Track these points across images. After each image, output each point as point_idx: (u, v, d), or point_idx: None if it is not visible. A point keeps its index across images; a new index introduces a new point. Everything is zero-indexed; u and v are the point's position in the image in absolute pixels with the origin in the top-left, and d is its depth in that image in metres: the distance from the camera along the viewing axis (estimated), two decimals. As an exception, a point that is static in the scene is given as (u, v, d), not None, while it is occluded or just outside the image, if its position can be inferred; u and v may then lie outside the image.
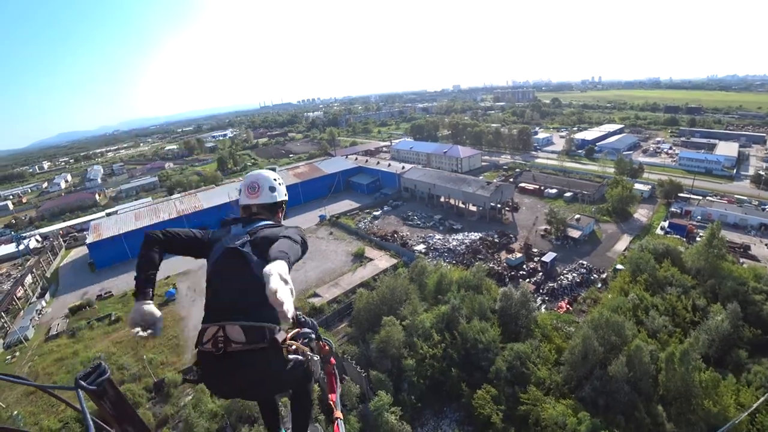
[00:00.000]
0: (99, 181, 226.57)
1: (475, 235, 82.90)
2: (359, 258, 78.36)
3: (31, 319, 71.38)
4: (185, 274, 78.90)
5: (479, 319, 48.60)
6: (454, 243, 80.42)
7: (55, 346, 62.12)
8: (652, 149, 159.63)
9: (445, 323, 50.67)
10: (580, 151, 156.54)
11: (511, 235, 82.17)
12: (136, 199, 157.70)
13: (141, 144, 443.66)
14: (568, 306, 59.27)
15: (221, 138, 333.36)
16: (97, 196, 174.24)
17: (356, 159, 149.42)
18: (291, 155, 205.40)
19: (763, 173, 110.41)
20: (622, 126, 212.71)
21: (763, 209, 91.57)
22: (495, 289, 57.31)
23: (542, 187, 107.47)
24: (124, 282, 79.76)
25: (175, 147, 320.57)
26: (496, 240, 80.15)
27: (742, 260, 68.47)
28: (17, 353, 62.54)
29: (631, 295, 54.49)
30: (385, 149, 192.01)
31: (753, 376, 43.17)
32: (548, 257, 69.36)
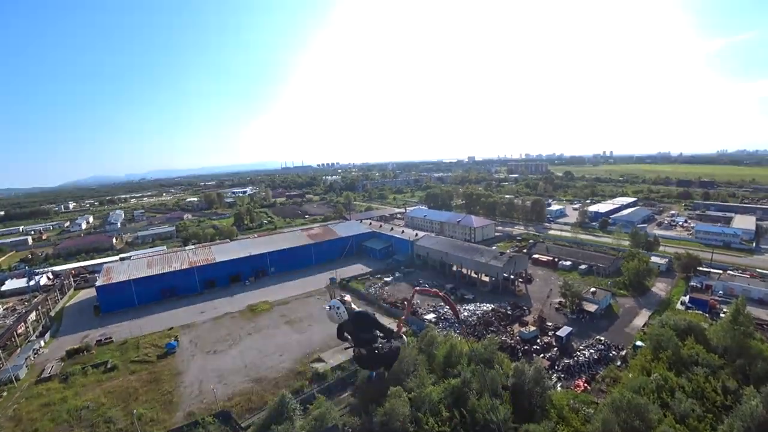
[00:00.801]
0: (119, 225, 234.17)
1: (488, 306, 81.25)
2: (368, 325, 77.10)
3: (26, 358, 70.12)
4: (189, 327, 78.47)
5: (490, 396, 46.25)
6: (466, 313, 78.67)
7: (45, 390, 60.71)
8: (666, 222, 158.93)
9: (453, 398, 48.28)
10: (593, 223, 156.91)
11: (525, 308, 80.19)
12: (151, 247, 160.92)
13: (164, 194, 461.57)
14: (585, 385, 55.94)
15: (241, 194, 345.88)
16: (114, 240, 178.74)
17: (370, 224, 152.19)
18: (307, 216, 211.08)
19: None
20: (635, 199, 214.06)
21: None
22: (507, 364, 54.91)
23: (556, 259, 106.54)
24: (126, 329, 79.36)
25: (195, 199, 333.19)
26: (509, 312, 78.16)
27: None
28: (5, 393, 61.03)
29: (654, 374, 51.44)
30: (399, 216, 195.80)
31: None
32: (563, 332, 66.91)
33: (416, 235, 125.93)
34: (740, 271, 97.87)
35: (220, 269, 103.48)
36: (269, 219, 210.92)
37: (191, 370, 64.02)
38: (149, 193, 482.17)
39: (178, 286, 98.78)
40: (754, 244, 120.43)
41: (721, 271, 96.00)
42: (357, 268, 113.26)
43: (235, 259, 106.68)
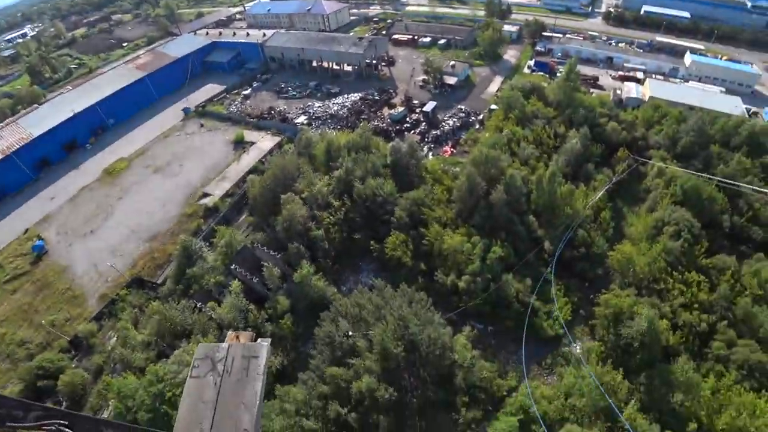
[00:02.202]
0: None
1: (355, 96, 79.39)
2: (240, 145, 71.23)
3: None
4: (46, 220, 63.93)
5: (374, 177, 48.67)
6: (335, 108, 76.39)
7: None
8: None
9: (341, 188, 50.08)
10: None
11: (391, 91, 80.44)
12: None
13: None
14: (452, 149, 62.52)
15: (21, 41, 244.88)
16: None
17: (207, 34, 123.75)
18: (125, 44, 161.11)
19: (612, 10, 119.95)
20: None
21: (610, 44, 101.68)
22: (383, 146, 57.12)
23: (416, 37, 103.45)
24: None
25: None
26: (377, 97, 77.97)
27: (591, 90, 77.25)
28: None
29: (505, 131, 58.71)
30: (239, 16, 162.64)
31: (598, 183, 52.65)
32: (429, 107, 70.11)
33: (264, 35, 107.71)
34: (576, 35, 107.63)
35: (45, 143, 77.11)
36: (77, 62, 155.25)
37: (77, 260, 55.68)
38: None
39: (4, 184, 73.13)
40: (590, 9, 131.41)
41: (561, 35, 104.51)
42: (209, 89, 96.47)
43: (59, 125, 79.74)
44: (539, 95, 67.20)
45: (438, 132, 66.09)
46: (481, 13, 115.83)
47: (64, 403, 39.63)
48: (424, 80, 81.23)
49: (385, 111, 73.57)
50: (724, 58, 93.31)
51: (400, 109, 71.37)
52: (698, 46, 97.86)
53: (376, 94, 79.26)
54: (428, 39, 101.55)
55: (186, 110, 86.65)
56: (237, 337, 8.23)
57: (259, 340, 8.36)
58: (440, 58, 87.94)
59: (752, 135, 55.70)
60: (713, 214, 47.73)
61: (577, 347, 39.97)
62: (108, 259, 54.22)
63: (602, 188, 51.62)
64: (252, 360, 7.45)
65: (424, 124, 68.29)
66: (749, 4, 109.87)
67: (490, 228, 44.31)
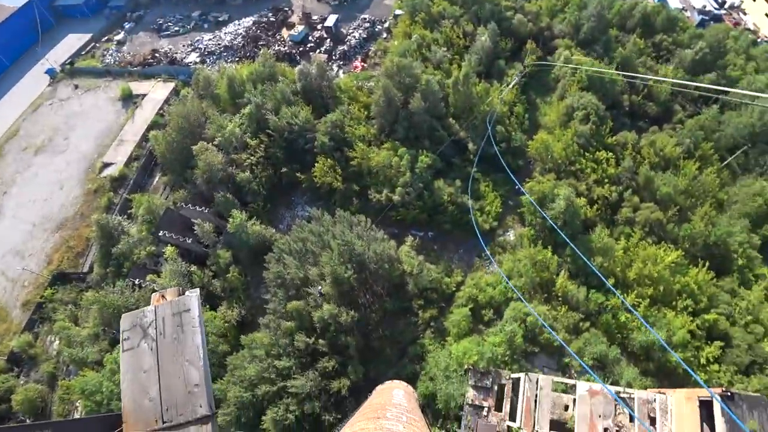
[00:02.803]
0: None
1: (248, 21, 71.19)
2: (129, 100, 62.57)
3: None
4: None
5: (287, 106, 45.68)
6: (228, 38, 68.46)
7: None
8: None
9: (255, 125, 46.71)
10: None
11: (286, 9, 72.68)
12: None
13: None
14: (362, 64, 59.68)
15: None
16: None
17: None
18: None
19: None
20: None
21: None
22: (290, 72, 52.96)
23: None
24: None
25: None
26: (272, 19, 70.45)
27: None
28: None
29: (413, 36, 56.33)
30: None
31: (509, 78, 53.37)
32: (330, 21, 64.93)
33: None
34: None
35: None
36: None
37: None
38: None
39: None
40: None
41: None
42: (71, 42, 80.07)
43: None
44: (444, -6, 64.77)
45: (345, 47, 62.24)
46: None
47: (27, 420, 37.36)
48: (320, -8, 74.34)
49: (284, 33, 67.18)
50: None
51: (300, 28, 65.43)
52: None
53: (270, 15, 71.46)
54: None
55: (50, 72, 72.62)
56: (162, 297, 7.42)
57: (186, 292, 7.56)
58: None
59: (644, 16, 59.04)
60: (615, 96, 51.57)
61: (510, 235, 43.48)
62: (16, 263, 48.34)
63: (513, 82, 52.82)
64: (184, 315, 6.78)
65: (328, 40, 63.69)
66: None
67: (414, 138, 44.39)
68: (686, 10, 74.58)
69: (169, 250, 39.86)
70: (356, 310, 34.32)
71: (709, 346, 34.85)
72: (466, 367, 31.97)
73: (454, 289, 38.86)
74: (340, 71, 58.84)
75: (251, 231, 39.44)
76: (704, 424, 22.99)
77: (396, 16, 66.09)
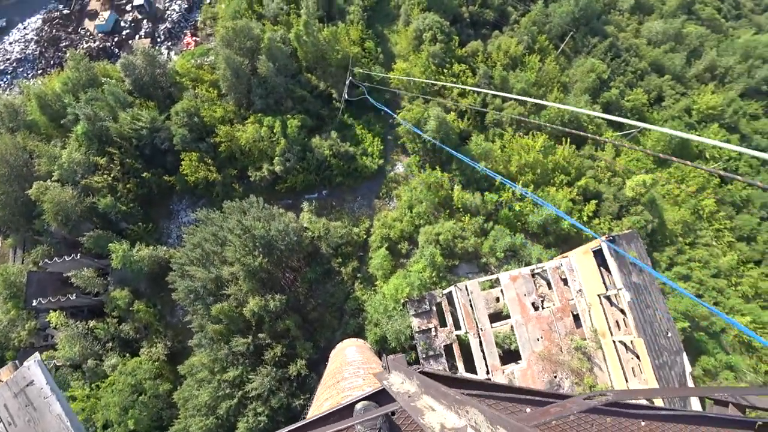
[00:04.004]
0: None
1: (35, 21, 58.57)
2: None
3: None
4: None
5: (123, 109, 40.03)
6: (18, 48, 56.19)
7: None
8: None
9: (96, 140, 40.36)
10: None
11: (80, -5, 61.08)
12: None
13: None
14: (194, 39, 53.48)
15: None
16: None
17: None
18: None
19: None
20: None
21: None
22: (114, 69, 45.87)
23: None
24: None
25: None
26: (66, 11, 58.63)
27: None
28: None
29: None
30: None
31: (353, 15, 52.37)
32: (139, -2, 56.32)
33: None
34: None
35: None
36: None
37: None
38: None
39: None
40: None
41: None
42: None
43: None
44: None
45: (167, 25, 54.82)
46: None
47: None
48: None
49: (89, 24, 56.80)
50: None
51: (106, 15, 55.59)
52: None
53: (61, 6, 59.43)
54: None
55: None
56: (-4, 380, 6.39)
57: (25, 363, 6.66)
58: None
59: None
60: (454, 10, 53.77)
61: (399, 167, 44.95)
62: None
63: (358, 20, 51.91)
64: (29, 390, 5.96)
65: (145, 21, 55.40)
66: None
67: (275, 103, 42.16)
68: None
69: (53, 316, 34.79)
70: (281, 292, 33.86)
71: (588, 206, 41.01)
72: (402, 301, 33.93)
73: (365, 236, 39.94)
74: (172, 53, 52.29)
75: (140, 258, 35.79)
76: (601, 268, 27.85)
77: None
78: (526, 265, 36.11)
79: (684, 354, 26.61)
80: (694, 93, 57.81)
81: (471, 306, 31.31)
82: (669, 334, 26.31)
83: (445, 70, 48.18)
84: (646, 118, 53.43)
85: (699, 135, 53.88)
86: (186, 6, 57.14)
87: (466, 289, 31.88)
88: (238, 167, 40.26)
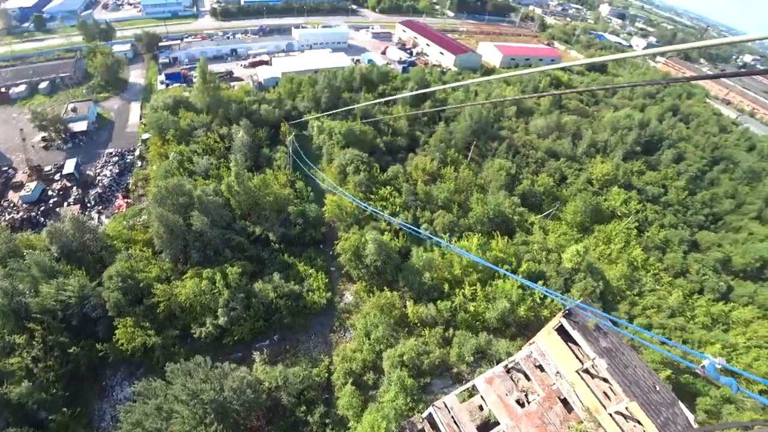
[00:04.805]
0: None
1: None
2: None
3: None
4: None
5: (47, 281, 37.36)
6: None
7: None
8: (111, 3, 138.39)
9: (14, 318, 36.31)
10: (25, 25, 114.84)
11: (5, 168, 60.44)
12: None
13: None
14: (126, 201, 54.19)
15: None
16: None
17: None
18: None
19: (216, 6, 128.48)
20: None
21: (229, 37, 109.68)
22: (38, 239, 43.91)
23: (5, 89, 78.58)
24: None
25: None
26: (-10, 185, 57.47)
27: (232, 84, 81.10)
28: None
29: (171, 155, 55.02)
30: None
31: (279, 161, 59.57)
32: (69, 166, 57.36)
33: None
34: (194, 36, 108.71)
35: None
36: None
37: None
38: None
39: None
40: (195, 9, 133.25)
41: (179, 41, 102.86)
42: None
43: None
44: (186, 106, 65.78)
45: (98, 190, 55.57)
46: (79, 39, 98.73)
47: None
48: (44, 138, 64.73)
49: (13, 196, 55.60)
50: (320, 26, 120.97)
51: (32, 185, 55.15)
52: (299, 21, 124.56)
53: (-16, 181, 58.23)
54: (23, 87, 79.41)
55: None
56: None
57: None
58: (52, 104, 72.07)
59: (363, 76, 76.67)
60: (371, 143, 62.19)
61: (348, 296, 44.99)
62: None
63: (285, 164, 57.80)
64: None
65: (74, 188, 55.75)
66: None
67: (214, 254, 42.47)
68: (390, 64, 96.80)
69: None
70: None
71: (537, 288, 43.67)
72: (382, 439, 30.89)
73: (327, 375, 37.71)
74: (103, 217, 52.01)
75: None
76: (568, 343, 27.89)
77: (144, 141, 63.31)
78: (498, 362, 35.47)
79: (680, 403, 25.75)
80: (588, 166, 69.08)
81: (456, 423, 29.28)
82: (657, 388, 25.71)
83: (373, 195, 52.66)
84: (558, 196, 61.44)
85: (605, 199, 63.80)
86: (117, 171, 59.07)
87: (446, 406, 30.24)
88: (179, 326, 38.05)
